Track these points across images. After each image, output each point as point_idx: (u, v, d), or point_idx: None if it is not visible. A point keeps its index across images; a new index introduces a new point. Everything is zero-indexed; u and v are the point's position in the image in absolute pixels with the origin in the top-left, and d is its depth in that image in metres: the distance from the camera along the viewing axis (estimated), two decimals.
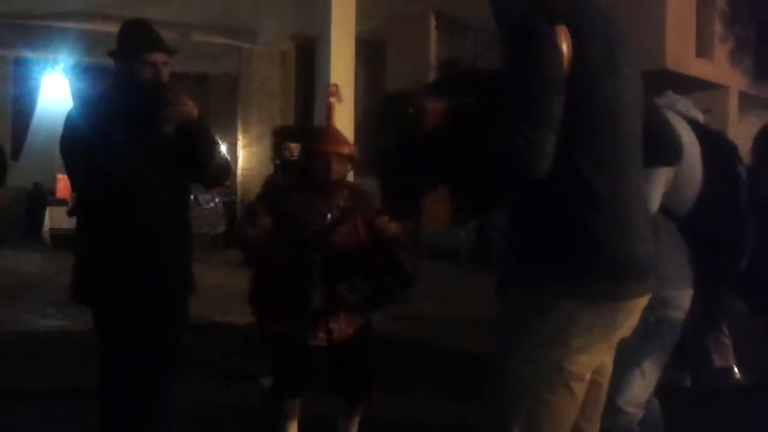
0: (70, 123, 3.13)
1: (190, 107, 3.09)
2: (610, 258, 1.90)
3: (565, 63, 1.84)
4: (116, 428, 3.19)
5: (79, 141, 3.06)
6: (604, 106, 1.92)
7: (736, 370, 5.29)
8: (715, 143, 2.91)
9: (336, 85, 3.92)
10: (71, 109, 3.19)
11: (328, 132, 3.69)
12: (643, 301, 2.04)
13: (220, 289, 9.30)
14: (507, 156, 1.79)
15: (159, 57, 3.14)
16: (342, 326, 3.48)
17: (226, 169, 3.39)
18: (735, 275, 3.14)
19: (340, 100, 3.91)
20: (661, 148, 2.25)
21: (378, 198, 3.41)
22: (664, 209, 2.67)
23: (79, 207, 3.32)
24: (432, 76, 13.37)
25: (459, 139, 1.93)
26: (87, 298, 3.21)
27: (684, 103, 2.94)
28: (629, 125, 2.00)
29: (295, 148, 4.27)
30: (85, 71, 15.36)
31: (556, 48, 1.83)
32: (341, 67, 9.42)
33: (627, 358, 2.63)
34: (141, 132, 3.04)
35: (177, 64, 3.32)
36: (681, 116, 2.82)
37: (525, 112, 1.79)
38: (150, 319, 3.16)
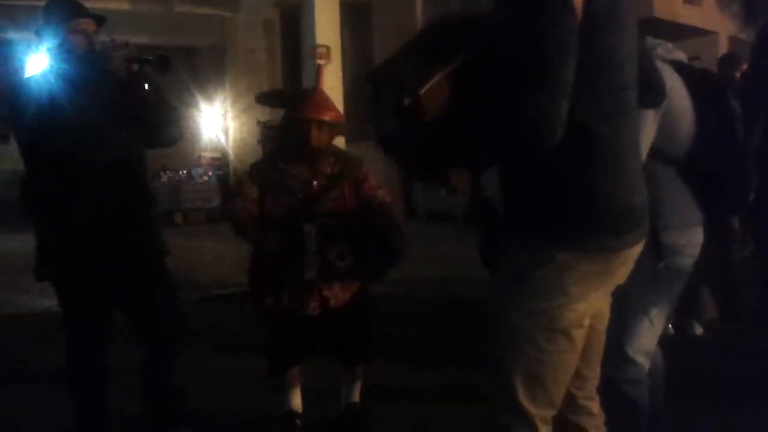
0: (14, 100, 3.11)
1: (128, 49, 3.07)
2: (607, 211, 1.90)
3: (579, 18, 1.79)
4: (90, 405, 3.25)
5: (25, 114, 3.04)
6: (606, 58, 1.89)
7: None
8: (702, 81, 2.89)
9: (326, 46, 3.78)
10: (15, 86, 3.16)
11: (312, 97, 3.60)
12: (638, 248, 2.04)
13: (217, 263, 9.33)
14: (524, 130, 1.74)
15: (87, 24, 3.13)
16: (336, 293, 3.46)
17: (178, 123, 3.28)
18: (743, 209, 3.12)
19: (328, 61, 3.79)
20: (646, 91, 2.22)
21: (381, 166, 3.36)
22: (662, 155, 2.64)
23: (30, 184, 3.25)
24: None
25: (467, 120, 1.85)
26: (49, 274, 3.20)
27: (664, 48, 2.91)
28: (628, 74, 1.97)
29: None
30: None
31: (571, 8, 1.77)
32: (326, 30, 9.33)
33: (635, 306, 2.64)
34: (84, 98, 3.02)
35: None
36: (662, 60, 2.80)
37: (540, 82, 1.73)
38: (122, 288, 3.17)
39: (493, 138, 1.83)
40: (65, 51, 3.11)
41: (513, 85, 1.75)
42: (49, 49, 3.16)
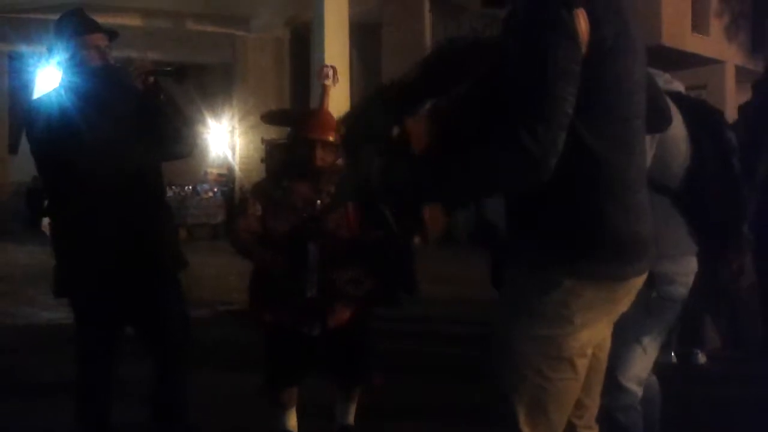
0: (29, 115, 3.12)
1: (145, 62, 3.10)
2: (616, 240, 1.89)
3: (584, 48, 1.78)
4: (95, 413, 3.24)
5: (40, 129, 3.05)
6: (617, 85, 1.89)
7: (699, 353, 5.27)
8: (698, 112, 2.89)
9: (332, 67, 3.75)
10: (29, 105, 3.18)
11: (317, 117, 3.59)
12: (642, 278, 2.04)
13: (220, 279, 9.32)
14: (518, 160, 1.74)
15: (99, 39, 3.16)
16: (337, 315, 3.42)
17: (191, 134, 3.28)
18: (738, 239, 3.12)
19: (335, 82, 3.78)
20: (652, 115, 2.22)
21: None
22: (656, 185, 2.65)
23: (51, 202, 3.29)
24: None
25: (458, 151, 1.82)
26: (69, 289, 3.20)
27: (662, 78, 2.91)
28: (638, 102, 1.97)
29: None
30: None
31: (575, 37, 1.76)
32: (336, 50, 9.41)
33: (628, 334, 2.62)
34: (99, 112, 3.02)
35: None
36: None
37: (538, 112, 1.73)
38: (135, 300, 3.16)
39: (488, 170, 1.81)
40: (78, 66, 3.12)
41: (511, 114, 1.75)
42: (60, 64, 3.17)
